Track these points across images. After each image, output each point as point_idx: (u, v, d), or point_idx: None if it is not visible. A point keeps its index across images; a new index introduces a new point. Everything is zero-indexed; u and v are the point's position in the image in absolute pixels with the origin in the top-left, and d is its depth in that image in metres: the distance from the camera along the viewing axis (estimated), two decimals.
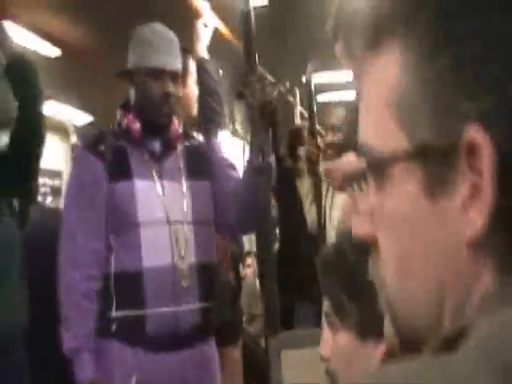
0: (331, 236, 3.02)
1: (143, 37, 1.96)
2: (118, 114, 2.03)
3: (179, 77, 1.99)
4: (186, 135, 2.09)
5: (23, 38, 4.66)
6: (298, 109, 5.26)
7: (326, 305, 0.95)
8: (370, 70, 0.49)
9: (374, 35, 0.48)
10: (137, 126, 1.93)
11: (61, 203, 6.94)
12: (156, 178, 1.92)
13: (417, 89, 0.44)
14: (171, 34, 2.01)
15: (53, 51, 5.23)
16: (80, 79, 6.03)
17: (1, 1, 2.36)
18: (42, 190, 6.52)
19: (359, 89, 0.51)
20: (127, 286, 1.84)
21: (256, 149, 1.96)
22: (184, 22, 2.79)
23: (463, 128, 0.41)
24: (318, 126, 3.83)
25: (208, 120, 2.57)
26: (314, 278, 3.45)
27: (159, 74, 1.92)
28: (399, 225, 0.46)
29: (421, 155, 0.44)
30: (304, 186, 3.59)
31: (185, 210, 1.93)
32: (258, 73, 1.98)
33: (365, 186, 0.50)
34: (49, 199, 7.13)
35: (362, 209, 0.50)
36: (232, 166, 2.08)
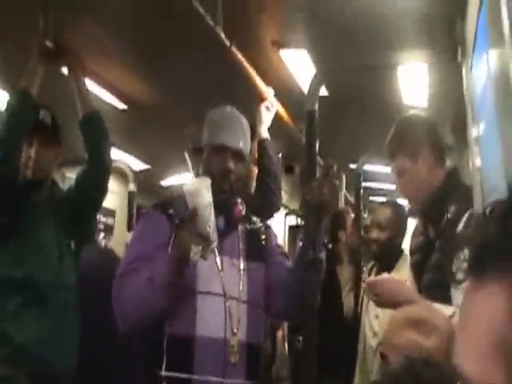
0: (365, 328, 3.11)
1: (213, 118, 2.11)
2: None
3: (243, 156, 2.07)
4: (247, 218, 2.18)
5: (95, 91, 5.04)
6: (343, 193, 5.36)
7: None
8: (473, 297, 0.48)
9: (479, 267, 0.48)
10: None
11: (111, 242, 7.22)
12: (216, 252, 1.98)
13: None
14: (238, 116, 2.13)
15: (119, 104, 5.62)
16: (140, 131, 6.41)
17: (82, 61, 2.63)
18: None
19: (462, 308, 0.51)
20: (178, 349, 1.89)
21: (308, 243, 2.02)
22: (248, 104, 2.98)
23: None
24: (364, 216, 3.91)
25: (264, 199, 2.68)
26: (341, 359, 3.48)
27: (221, 150, 2.04)
28: None
29: None
30: (343, 274, 3.63)
31: (240, 288, 2.00)
32: (319, 177, 2.07)
33: None
34: (101, 235, 7.46)
35: None
36: (284, 255, 2.21)
